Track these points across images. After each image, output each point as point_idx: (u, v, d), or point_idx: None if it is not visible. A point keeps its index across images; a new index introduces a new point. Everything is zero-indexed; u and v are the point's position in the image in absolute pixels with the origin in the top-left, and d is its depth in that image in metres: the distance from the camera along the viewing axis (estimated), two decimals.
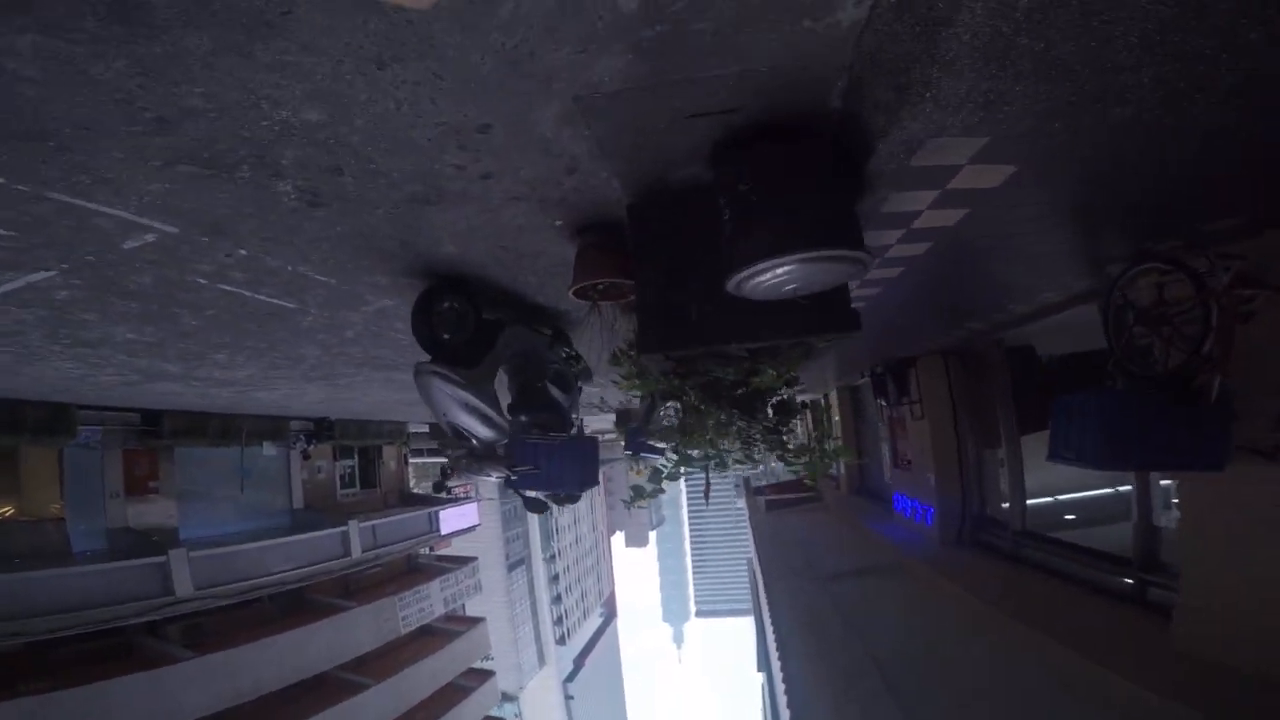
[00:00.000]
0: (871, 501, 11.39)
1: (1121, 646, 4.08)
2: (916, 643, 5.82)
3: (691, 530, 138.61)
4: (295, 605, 13.48)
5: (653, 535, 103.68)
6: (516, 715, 41.63)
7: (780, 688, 5.95)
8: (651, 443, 7.18)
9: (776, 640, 6.68)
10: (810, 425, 17.14)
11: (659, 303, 2.24)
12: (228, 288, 3.22)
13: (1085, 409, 3.38)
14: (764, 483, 18.78)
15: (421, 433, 17.82)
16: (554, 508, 4.39)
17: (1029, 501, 7.08)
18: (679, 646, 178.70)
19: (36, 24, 1.30)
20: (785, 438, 3.26)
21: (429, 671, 15.74)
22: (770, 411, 3.25)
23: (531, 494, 3.62)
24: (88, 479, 10.28)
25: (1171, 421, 3.05)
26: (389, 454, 17.40)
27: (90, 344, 4.36)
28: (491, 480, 3.55)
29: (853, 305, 2.29)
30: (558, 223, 2.59)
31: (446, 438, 3.88)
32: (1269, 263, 2.96)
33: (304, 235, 2.59)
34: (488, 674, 18.77)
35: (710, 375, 2.86)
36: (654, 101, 1.76)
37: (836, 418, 13.22)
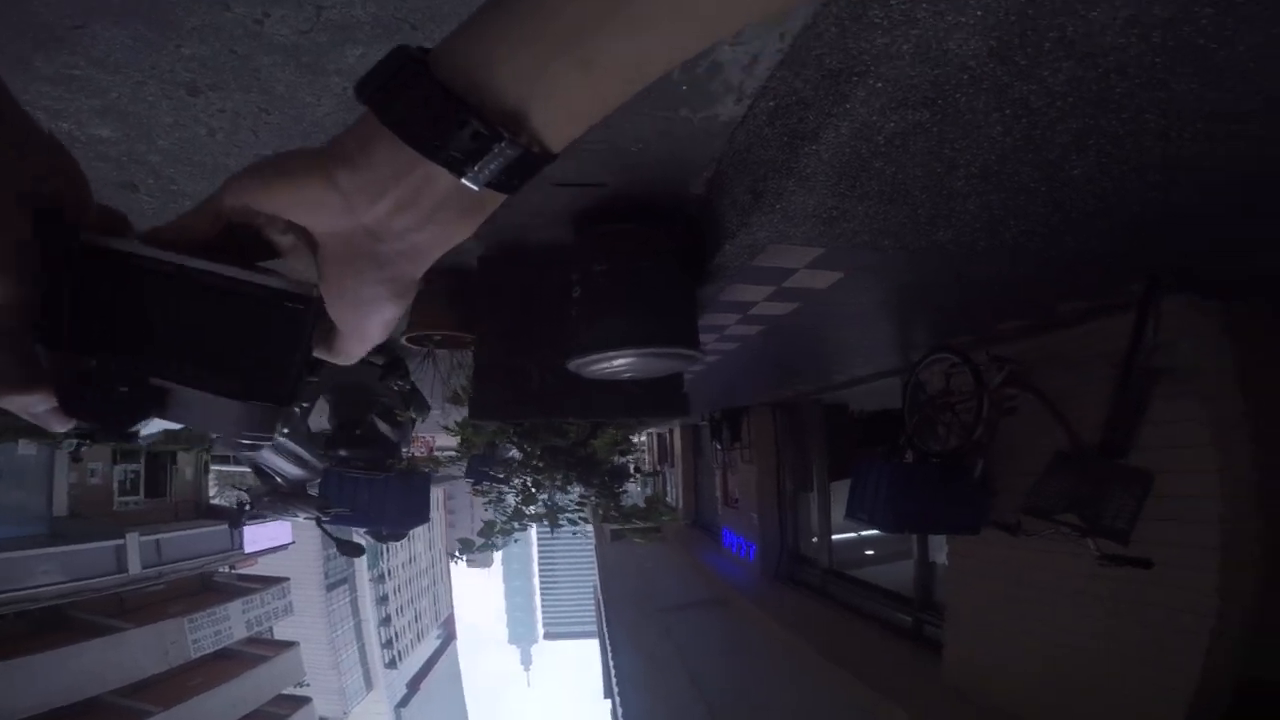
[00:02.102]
0: (705, 534, 11.97)
1: (905, 681, 4.61)
2: (738, 673, 6.23)
3: (540, 551, 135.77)
4: (54, 623, 11.72)
5: (497, 556, 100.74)
6: None
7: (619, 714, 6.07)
8: (493, 472, 7.02)
9: (616, 671, 6.80)
10: (655, 457, 17.73)
11: (499, 367, 2.19)
12: None
13: (878, 478, 3.77)
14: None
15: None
16: (379, 545, 4.07)
17: (838, 536, 7.86)
18: (527, 669, 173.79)
19: None
20: (619, 497, 3.32)
21: (229, 698, 14.26)
22: (605, 477, 3.29)
23: (344, 537, 3.33)
24: None
25: (944, 493, 3.51)
26: (184, 460, 15.17)
27: None
28: (298, 519, 3.20)
29: (687, 377, 2.41)
30: None
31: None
32: (1038, 365, 3.48)
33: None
34: (302, 700, 16.98)
35: (549, 442, 2.84)
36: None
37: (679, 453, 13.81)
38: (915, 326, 3.73)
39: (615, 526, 3.63)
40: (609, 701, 10.86)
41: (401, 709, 51.79)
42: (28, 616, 11.08)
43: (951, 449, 3.58)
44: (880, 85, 1.18)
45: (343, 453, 3.57)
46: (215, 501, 16.04)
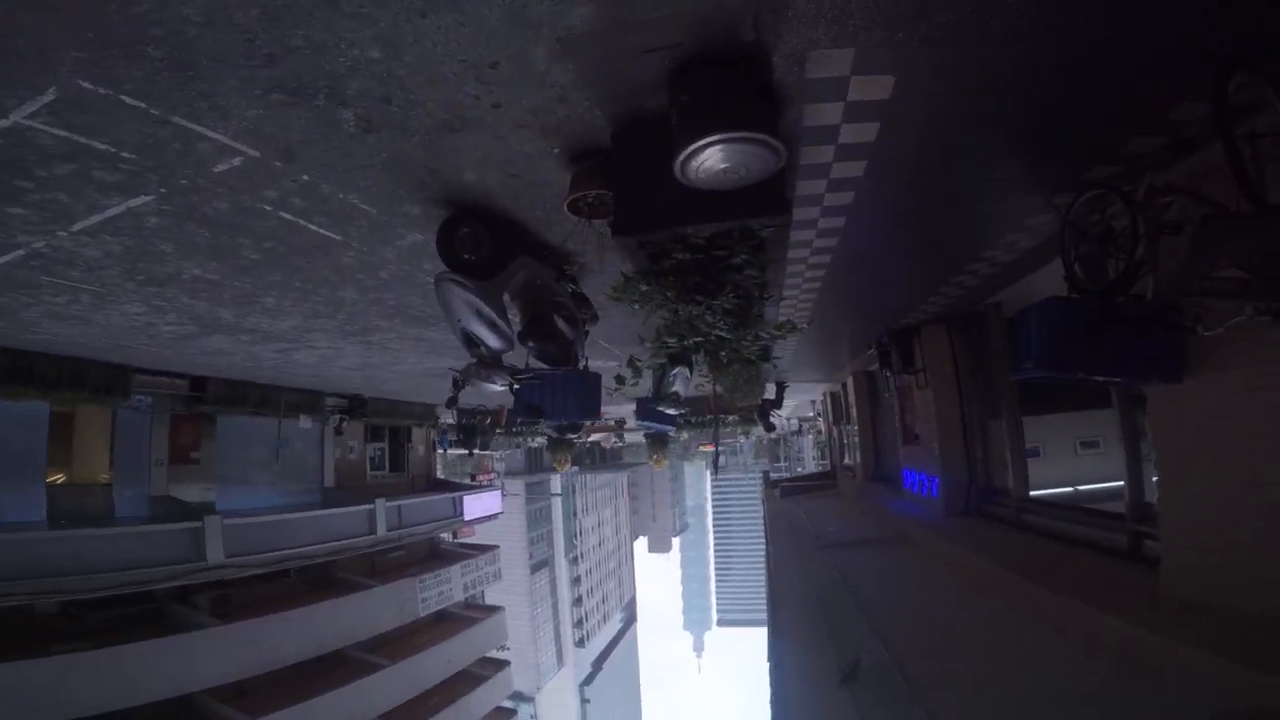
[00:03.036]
0: (886, 486, 11.83)
1: (1114, 595, 4.30)
2: (908, 598, 6.16)
3: (716, 538, 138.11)
4: (320, 581, 14.33)
5: (676, 541, 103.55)
6: (533, 717, 42.21)
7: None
8: (661, 408, 7.86)
9: (768, 597, 7.11)
10: (830, 418, 17.58)
11: (630, 196, 2.97)
12: (287, 215, 4.03)
13: (1036, 319, 3.73)
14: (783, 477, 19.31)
15: (450, 424, 18.81)
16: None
17: (1038, 492, 7.30)
18: (699, 655, 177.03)
19: None
20: (751, 332, 3.88)
21: (444, 657, 16.35)
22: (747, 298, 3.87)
23: (530, 401, 4.28)
24: (136, 446, 11.40)
25: (1118, 330, 3.31)
26: (418, 438, 18.40)
27: (159, 281, 5.25)
28: (497, 388, 4.19)
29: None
30: (555, 150, 3.32)
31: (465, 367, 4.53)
32: (1190, 180, 3.34)
33: (355, 160, 3.37)
34: (502, 664, 19.34)
35: (677, 258, 3.54)
36: (616, 39, 2.47)
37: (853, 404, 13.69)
38: (1045, 164, 3.81)
39: (745, 347, 4.14)
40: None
41: (585, 686, 55.80)
42: (305, 573, 13.72)
43: (1116, 278, 3.43)
44: None
45: (532, 344, 4.60)
46: (440, 476, 19.22)
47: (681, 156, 2.49)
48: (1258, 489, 3.37)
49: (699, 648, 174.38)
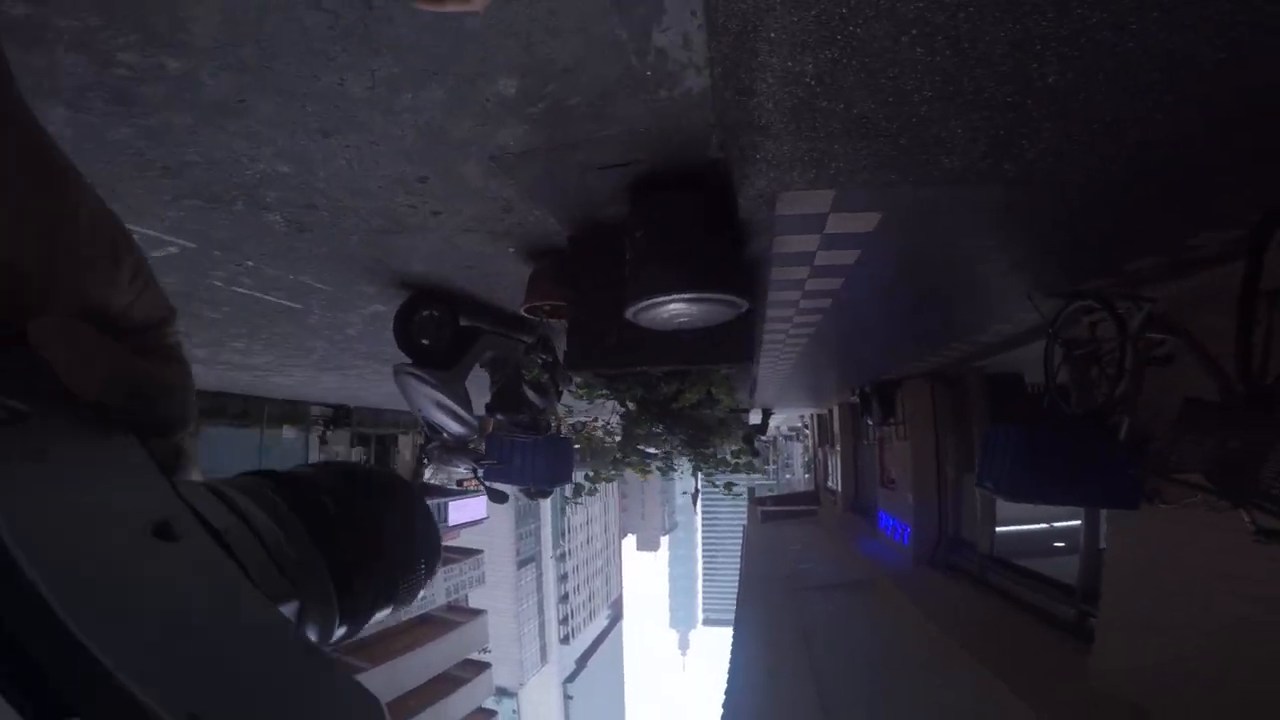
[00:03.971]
0: (863, 518, 11.60)
1: (1038, 676, 4.22)
2: (865, 659, 6.03)
3: (704, 537, 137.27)
4: None
5: (665, 540, 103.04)
6: (515, 712, 41.99)
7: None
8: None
9: (733, 641, 6.94)
10: (816, 438, 17.33)
11: (585, 327, 2.64)
12: (240, 290, 3.70)
13: (1004, 441, 3.59)
14: (768, 494, 19.01)
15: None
16: (546, 500, 4.79)
17: (1003, 529, 7.25)
18: (683, 653, 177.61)
19: (64, 104, 1.75)
20: (710, 449, 3.61)
21: (425, 659, 16.25)
22: (703, 430, 3.60)
23: (496, 486, 4.02)
24: None
25: (1086, 458, 3.18)
26: (404, 444, 18.00)
27: None
28: (460, 471, 3.93)
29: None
30: (511, 249, 3.00)
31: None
32: (1186, 307, 3.07)
33: (297, 253, 3.05)
34: (483, 666, 19.22)
35: (636, 392, 3.23)
36: (560, 158, 2.16)
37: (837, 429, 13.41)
38: (1022, 270, 3.51)
39: (713, 476, 3.92)
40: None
41: (568, 684, 55.40)
42: None
43: (1092, 407, 3.31)
44: (774, 35, 1.38)
45: (499, 416, 4.31)
46: (428, 480, 18.82)
47: (634, 309, 2.17)
48: (1204, 613, 3.20)
49: (684, 645, 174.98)
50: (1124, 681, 3.71)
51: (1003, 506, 7.23)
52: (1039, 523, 8.47)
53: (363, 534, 0.46)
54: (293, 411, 12.79)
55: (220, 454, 12.49)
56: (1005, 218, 2.71)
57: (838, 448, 13.64)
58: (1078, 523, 7.43)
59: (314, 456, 14.71)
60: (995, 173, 2.10)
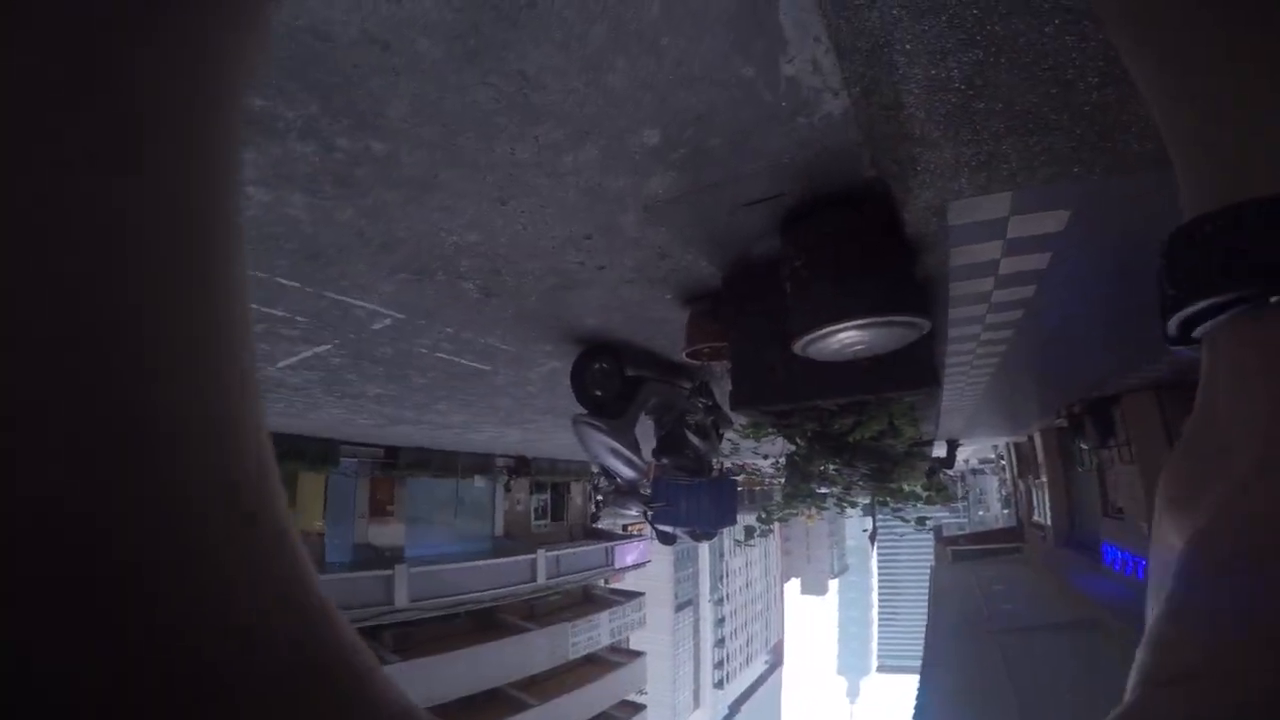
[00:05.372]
0: (1081, 555, 9.83)
1: None
2: (1090, 708, 4.92)
3: (881, 579, 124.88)
4: (485, 623, 14.66)
5: (833, 584, 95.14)
6: None
7: None
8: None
9: (921, 686, 6.02)
10: (1015, 469, 15.22)
11: (748, 364, 2.50)
12: (441, 355, 4.12)
13: None
14: (960, 532, 16.89)
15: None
16: (706, 544, 4.68)
17: None
18: (852, 701, 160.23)
19: (300, 190, 2.05)
20: (894, 484, 3.21)
21: (587, 699, 16.02)
22: (887, 463, 3.23)
23: (663, 528, 3.96)
24: (343, 501, 12.66)
25: None
26: (575, 490, 18.77)
27: (351, 396, 5.69)
28: (632, 513, 3.94)
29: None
30: (668, 296, 2.99)
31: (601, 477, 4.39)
32: None
33: (486, 317, 3.31)
34: (639, 707, 18.67)
35: (807, 428, 2.99)
36: (707, 199, 2.13)
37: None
38: None
39: (900, 511, 3.48)
40: None
41: None
42: (473, 616, 14.07)
43: None
44: (909, 46, 1.21)
45: (664, 460, 4.29)
46: (597, 524, 19.34)
47: (802, 342, 2.00)
48: None
49: (853, 693, 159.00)
50: None
51: None
52: None
53: None
54: (482, 463, 13.91)
55: (423, 498, 13.90)
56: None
57: (1043, 478, 11.87)
58: None
59: (499, 501, 15.83)
60: None
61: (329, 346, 3.94)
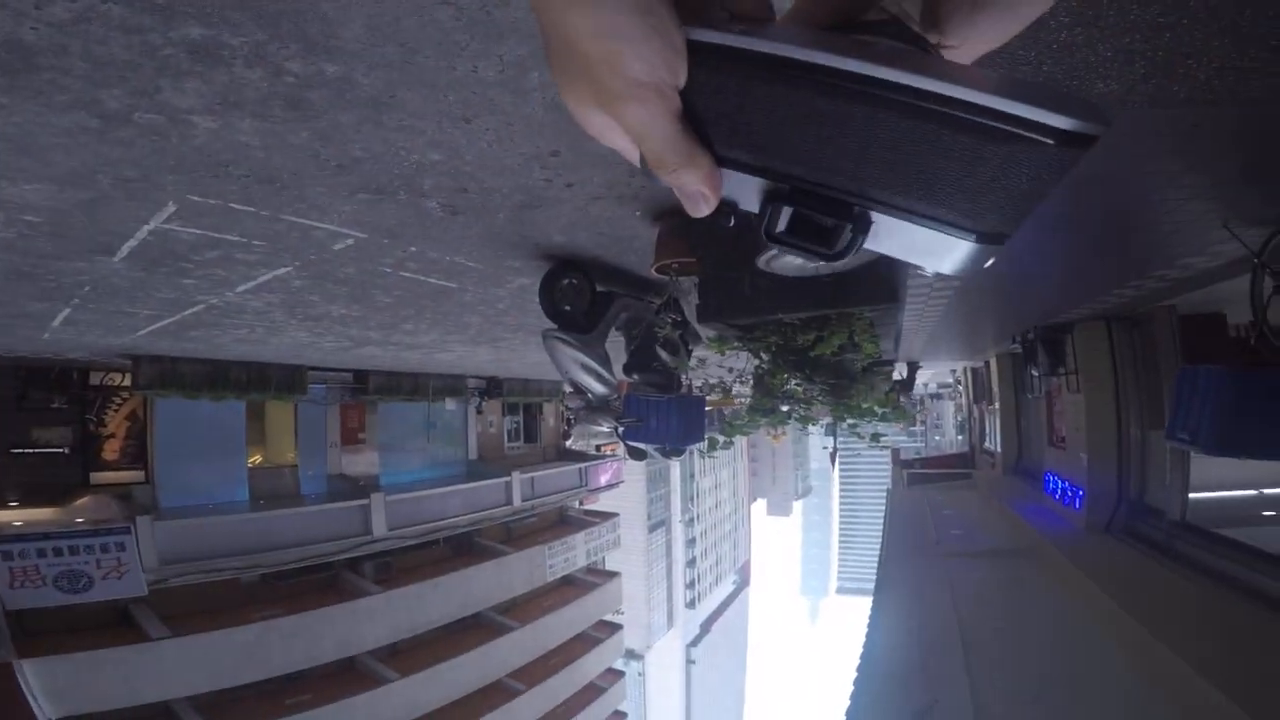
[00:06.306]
0: (1026, 483, 10.55)
1: (1242, 666, 3.58)
2: (1016, 630, 5.51)
3: (842, 504, 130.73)
4: (464, 548, 15.16)
5: (797, 505, 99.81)
6: (640, 673, 43.22)
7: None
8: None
9: (872, 609, 6.62)
10: (971, 394, 15.94)
11: (716, 279, 2.61)
12: (406, 274, 4.11)
13: (1205, 386, 3.14)
14: (915, 456, 17.88)
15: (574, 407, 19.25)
16: (677, 464, 4.93)
17: (1198, 495, 6.27)
18: (813, 621, 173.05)
19: (250, 115, 2.01)
20: (853, 400, 3.44)
21: (566, 620, 16.81)
22: (846, 379, 3.44)
23: (634, 444, 4.17)
24: (315, 431, 12.74)
25: None
26: (549, 411, 19.11)
27: (315, 318, 5.67)
28: (603, 429, 4.13)
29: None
30: (637, 213, 3.04)
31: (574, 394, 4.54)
32: None
33: (452, 235, 3.31)
34: (616, 627, 19.61)
35: (770, 341, 3.15)
36: None
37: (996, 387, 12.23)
38: (1214, 197, 2.93)
39: (856, 427, 3.74)
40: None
41: (692, 647, 54.91)
42: (451, 541, 14.47)
43: None
44: None
45: (635, 376, 4.46)
46: (570, 445, 19.83)
47: (766, 257, 2.10)
48: None
49: (814, 614, 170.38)
50: None
51: (1198, 469, 6.27)
52: (1244, 488, 7.33)
53: None
54: (453, 385, 14.00)
55: (395, 423, 14.06)
56: (1190, 140, 2.31)
57: (996, 404, 12.47)
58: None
59: (471, 424, 16.07)
60: (1164, 95, 1.90)
61: (289, 269, 3.91)
